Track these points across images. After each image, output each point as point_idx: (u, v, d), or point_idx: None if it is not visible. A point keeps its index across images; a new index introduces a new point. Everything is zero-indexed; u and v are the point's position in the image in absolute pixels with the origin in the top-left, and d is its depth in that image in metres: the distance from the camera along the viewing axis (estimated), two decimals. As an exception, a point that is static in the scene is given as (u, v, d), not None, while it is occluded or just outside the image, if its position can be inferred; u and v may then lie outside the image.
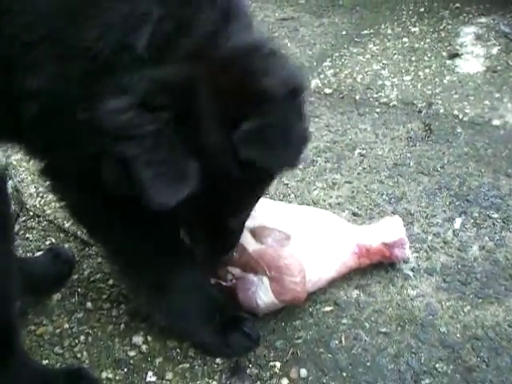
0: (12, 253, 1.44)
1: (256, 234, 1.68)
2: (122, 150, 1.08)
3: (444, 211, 2.00)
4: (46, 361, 1.64)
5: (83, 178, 1.30)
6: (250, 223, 1.64)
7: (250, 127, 1.14)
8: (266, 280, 1.61)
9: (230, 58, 1.17)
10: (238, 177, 1.21)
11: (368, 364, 1.54)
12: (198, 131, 1.15)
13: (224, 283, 1.68)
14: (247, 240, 1.65)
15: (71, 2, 1.12)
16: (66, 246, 2.07)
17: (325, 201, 2.09)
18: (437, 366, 1.52)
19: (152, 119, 1.08)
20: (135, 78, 1.10)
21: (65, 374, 1.55)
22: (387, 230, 1.76)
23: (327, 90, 2.84)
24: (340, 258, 1.71)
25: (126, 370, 1.60)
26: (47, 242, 2.10)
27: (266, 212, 1.74)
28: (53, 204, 2.29)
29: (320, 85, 2.89)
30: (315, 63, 3.12)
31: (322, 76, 2.97)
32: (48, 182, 1.47)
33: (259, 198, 1.45)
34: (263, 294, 1.61)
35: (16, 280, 1.43)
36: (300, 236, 1.69)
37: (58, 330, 1.74)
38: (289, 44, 3.35)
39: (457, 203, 2.02)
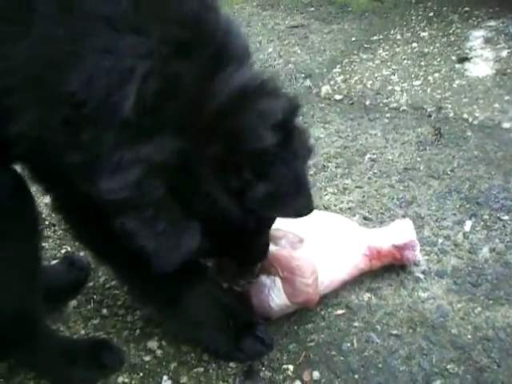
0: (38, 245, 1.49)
1: (270, 235, 1.69)
2: (122, 221, 1.09)
3: (454, 214, 2.01)
4: (63, 366, 1.67)
5: (85, 212, 1.32)
6: None
7: (259, 194, 1.14)
8: (278, 281, 1.63)
9: (217, 121, 1.12)
10: (250, 227, 1.24)
11: (380, 366, 1.56)
12: (197, 196, 1.14)
13: (237, 288, 1.70)
14: None
15: (51, 50, 1.07)
16: (82, 253, 2.10)
17: (336, 206, 2.11)
18: (448, 367, 1.53)
19: (149, 193, 1.08)
20: (127, 156, 1.06)
21: (90, 344, 1.67)
22: (398, 233, 1.77)
23: (337, 97, 2.86)
24: (352, 261, 1.73)
25: (141, 374, 1.62)
26: (63, 251, 2.13)
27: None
28: (68, 213, 2.32)
29: (330, 91, 2.90)
30: (325, 70, 3.13)
31: (332, 82, 2.99)
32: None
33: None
34: (276, 296, 1.63)
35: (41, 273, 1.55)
36: (313, 239, 1.71)
37: (74, 336, 1.76)
38: (299, 51, 3.37)
39: (467, 206, 2.03)
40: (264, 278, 1.65)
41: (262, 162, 1.14)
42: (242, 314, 1.66)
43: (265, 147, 1.13)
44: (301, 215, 1.26)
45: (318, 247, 1.70)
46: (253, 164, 1.14)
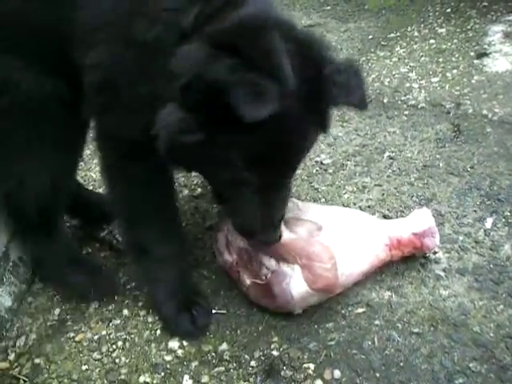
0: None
1: (288, 224, 1.72)
2: (213, 75, 1.27)
3: (475, 211, 1.99)
4: (85, 366, 1.68)
5: (130, 143, 1.55)
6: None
7: (341, 83, 1.41)
8: (297, 269, 1.64)
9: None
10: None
11: (401, 364, 1.55)
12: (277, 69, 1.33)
13: (259, 281, 1.71)
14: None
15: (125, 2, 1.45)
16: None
17: (355, 204, 2.10)
18: (470, 365, 1.52)
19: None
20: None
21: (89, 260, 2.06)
22: (416, 221, 1.78)
23: (355, 94, 2.84)
24: (372, 251, 1.74)
25: (162, 374, 1.63)
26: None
27: (298, 206, 1.81)
28: (88, 214, 2.34)
29: (348, 89, 2.89)
30: (343, 68, 3.11)
31: (349, 80, 2.97)
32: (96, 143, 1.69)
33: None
34: (296, 285, 1.63)
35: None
36: (332, 228, 1.73)
37: (96, 337, 1.78)
38: (316, 50, 3.36)
39: (487, 203, 2.02)
40: (284, 268, 1.67)
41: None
42: (196, 294, 1.82)
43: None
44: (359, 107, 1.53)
45: (338, 236, 1.71)
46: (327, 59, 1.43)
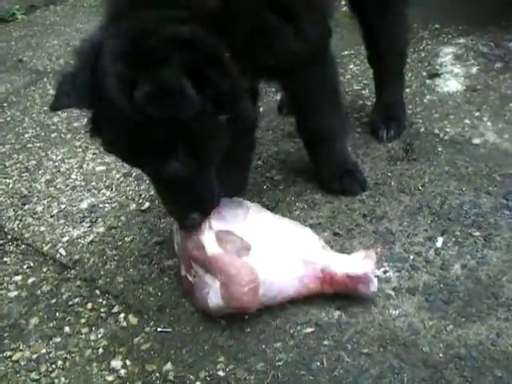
0: None
1: (219, 238, 1.72)
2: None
3: (425, 230, 1.99)
4: (22, 387, 1.61)
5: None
6: (220, 226, 1.74)
7: (146, 92, 1.44)
8: (217, 284, 1.66)
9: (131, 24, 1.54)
10: None
11: (350, 386, 1.52)
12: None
13: (189, 278, 1.75)
14: (210, 242, 1.71)
15: None
16: (45, 269, 2.04)
17: (305, 221, 2.07)
18: (420, 386, 1.50)
19: None
20: None
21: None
22: (355, 263, 1.72)
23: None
24: (302, 279, 1.71)
25: (103, 395, 1.57)
26: (25, 266, 2.07)
27: (239, 218, 1.81)
28: (31, 227, 2.27)
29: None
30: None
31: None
32: None
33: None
34: (214, 297, 1.67)
35: None
36: (264, 249, 1.72)
37: (34, 356, 1.71)
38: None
39: (438, 222, 2.01)
40: (207, 277, 1.69)
41: (152, 60, 1.47)
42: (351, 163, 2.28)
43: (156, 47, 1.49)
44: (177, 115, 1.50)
45: (267, 259, 1.70)
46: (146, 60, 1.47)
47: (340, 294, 1.74)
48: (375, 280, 1.72)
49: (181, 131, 1.54)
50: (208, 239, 1.71)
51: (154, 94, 1.43)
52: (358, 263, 1.72)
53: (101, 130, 1.65)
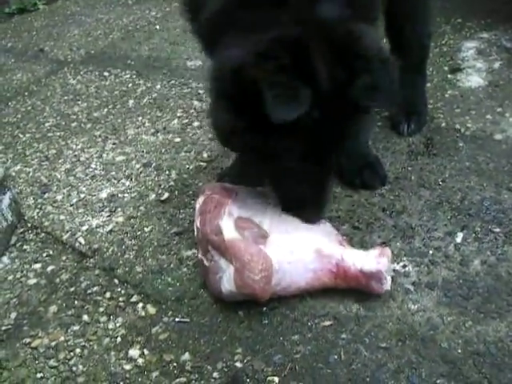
0: None
1: (238, 224, 1.73)
2: (252, 74, 1.44)
3: (445, 225, 1.97)
4: (40, 374, 1.62)
5: None
6: (240, 212, 1.77)
7: (366, 84, 1.49)
8: (232, 269, 1.66)
9: (335, 21, 1.55)
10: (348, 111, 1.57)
11: (368, 379, 1.51)
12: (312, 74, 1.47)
13: (205, 262, 1.76)
14: (228, 227, 1.72)
15: None
16: (64, 258, 2.06)
17: (325, 214, 2.06)
18: (438, 381, 1.49)
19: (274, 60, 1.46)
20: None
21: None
22: (370, 259, 1.70)
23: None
24: (316, 272, 1.70)
25: (121, 383, 1.57)
26: (44, 254, 2.08)
27: (258, 206, 1.83)
28: (51, 216, 2.29)
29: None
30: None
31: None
32: None
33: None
34: (227, 282, 1.67)
35: None
36: (280, 239, 1.73)
37: (53, 343, 1.72)
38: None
39: (458, 217, 2.00)
40: (221, 262, 1.70)
41: (367, 61, 1.50)
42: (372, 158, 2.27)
43: (373, 53, 1.53)
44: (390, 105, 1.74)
45: (284, 248, 1.70)
46: (359, 58, 1.50)
47: (356, 289, 1.74)
48: (389, 278, 1.71)
49: (353, 124, 1.64)
50: (226, 225, 1.72)
51: (372, 87, 1.50)
52: (373, 260, 1.70)
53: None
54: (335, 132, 1.60)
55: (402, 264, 1.83)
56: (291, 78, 1.44)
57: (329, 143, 1.63)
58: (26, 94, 3.48)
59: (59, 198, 2.40)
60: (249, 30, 1.53)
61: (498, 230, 1.92)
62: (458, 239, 1.91)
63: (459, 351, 1.56)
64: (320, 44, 1.50)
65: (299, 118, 1.42)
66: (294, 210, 1.80)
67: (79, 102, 3.24)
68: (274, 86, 1.41)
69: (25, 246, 2.15)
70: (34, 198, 2.42)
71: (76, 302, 1.86)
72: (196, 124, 2.82)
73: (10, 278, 2.01)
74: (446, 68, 3.01)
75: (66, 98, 3.34)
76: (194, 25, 1.88)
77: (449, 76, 2.93)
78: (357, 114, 1.60)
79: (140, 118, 2.96)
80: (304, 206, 1.80)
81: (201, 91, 3.12)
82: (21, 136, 2.97)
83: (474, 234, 1.92)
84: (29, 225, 2.26)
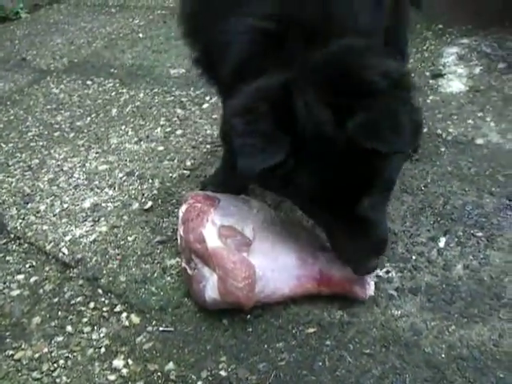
0: None
1: (221, 231, 1.74)
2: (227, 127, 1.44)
3: (428, 230, 1.98)
4: (24, 386, 1.61)
5: None
6: (223, 221, 1.76)
7: (362, 121, 1.30)
8: (215, 277, 1.66)
9: (328, 57, 1.40)
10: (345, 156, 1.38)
11: (352, 386, 1.52)
12: (295, 118, 1.36)
13: (189, 270, 1.75)
14: (211, 235, 1.72)
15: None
16: (47, 268, 2.04)
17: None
18: (422, 387, 1.50)
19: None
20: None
21: None
22: None
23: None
24: (299, 279, 1.71)
25: (105, 394, 1.57)
26: (27, 265, 2.07)
27: (242, 214, 1.82)
28: (34, 226, 2.27)
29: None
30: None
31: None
32: None
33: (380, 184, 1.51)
34: (210, 291, 1.67)
35: None
36: (263, 246, 1.73)
37: (36, 355, 1.71)
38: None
39: (441, 222, 2.01)
40: (206, 271, 1.69)
41: (366, 94, 1.32)
42: None
43: (372, 83, 1.33)
44: (395, 151, 1.39)
45: (267, 255, 1.71)
46: (358, 92, 1.33)
47: (340, 295, 1.75)
48: (372, 284, 1.73)
49: (378, 166, 1.43)
50: (209, 233, 1.72)
51: (370, 125, 1.31)
52: None
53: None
54: (344, 178, 1.44)
55: (385, 270, 1.84)
56: (266, 128, 1.35)
57: (341, 190, 1.46)
58: (9, 103, 3.46)
59: (42, 208, 2.39)
60: (250, 78, 1.45)
61: (480, 234, 1.93)
62: (441, 244, 1.92)
63: (443, 356, 1.56)
64: (307, 87, 1.37)
65: (279, 166, 1.34)
66: (344, 260, 1.67)
67: (62, 111, 3.23)
68: (245, 136, 1.35)
69: (8, 257, 2.13)
70: (16, 209, 2.41)
71: (59, 312, 1.85)
72: (179, 132, 2.81)
73: (-7, 289, 2.00)
74: (427, 74, 3.03)
75: (48, 107, 3.32)
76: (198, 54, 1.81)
77: (430, 81, 2.95)
78: (368, 158, 1.38)
79: (123, 127, 2.95)
80: (351, 257, 1.64)
81: (184, 99, 3.13)
82: (3, 146, 2.95)
83: (456, 239, 1.93)
84: (12, 235, 2.25)
